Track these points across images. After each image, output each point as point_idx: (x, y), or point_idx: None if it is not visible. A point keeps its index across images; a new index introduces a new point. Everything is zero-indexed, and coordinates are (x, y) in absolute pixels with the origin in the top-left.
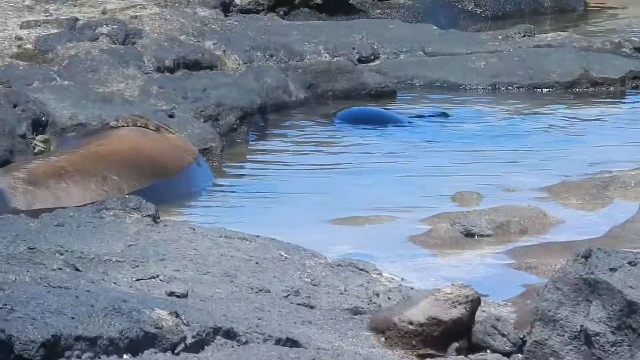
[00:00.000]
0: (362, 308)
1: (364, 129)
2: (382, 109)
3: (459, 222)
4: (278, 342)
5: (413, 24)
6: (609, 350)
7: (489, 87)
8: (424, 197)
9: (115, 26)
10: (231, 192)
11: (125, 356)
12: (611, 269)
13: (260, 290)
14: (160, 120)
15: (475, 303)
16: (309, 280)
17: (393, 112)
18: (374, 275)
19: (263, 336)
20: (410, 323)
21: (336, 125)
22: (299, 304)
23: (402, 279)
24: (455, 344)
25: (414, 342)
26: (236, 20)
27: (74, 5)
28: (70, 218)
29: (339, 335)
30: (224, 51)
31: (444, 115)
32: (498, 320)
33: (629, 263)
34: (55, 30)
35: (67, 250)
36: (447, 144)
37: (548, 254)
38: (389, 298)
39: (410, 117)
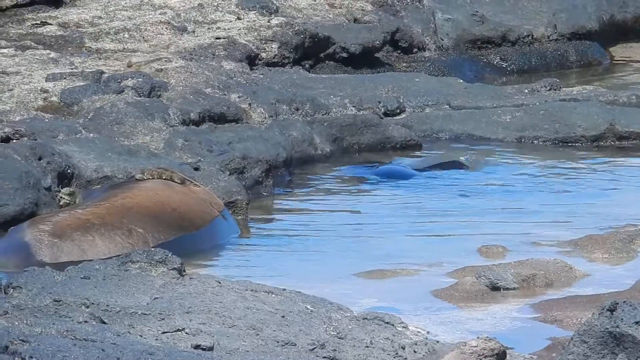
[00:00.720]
0: None
1: (388, 182)
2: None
3: (485, 276)
4: None
5: (439, 78)
6: None
7: (515, 141)
8: (450, 251)
9: (140, 79)
10: (257, 245)
11: None
12: (637, 322)
13: (286, 344)
14: (185, 173)
15: (501, 356)
16: (335, 333)
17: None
18: (400, 329)
19: None
20: None
21: (362, 178)
22: (324, 357)
23: (428, 332)
24: None
25: None
26: (262, 74)
27: (100, 59)
28: (96, 271)
29: None
30: (249, 104)
31: (461, 165)
32: None
33: None
34: (81, 83)
35: (92, 303)
36: (473, 197)
37: (574, 307)
38: (414, 351)
39: (423, 168)
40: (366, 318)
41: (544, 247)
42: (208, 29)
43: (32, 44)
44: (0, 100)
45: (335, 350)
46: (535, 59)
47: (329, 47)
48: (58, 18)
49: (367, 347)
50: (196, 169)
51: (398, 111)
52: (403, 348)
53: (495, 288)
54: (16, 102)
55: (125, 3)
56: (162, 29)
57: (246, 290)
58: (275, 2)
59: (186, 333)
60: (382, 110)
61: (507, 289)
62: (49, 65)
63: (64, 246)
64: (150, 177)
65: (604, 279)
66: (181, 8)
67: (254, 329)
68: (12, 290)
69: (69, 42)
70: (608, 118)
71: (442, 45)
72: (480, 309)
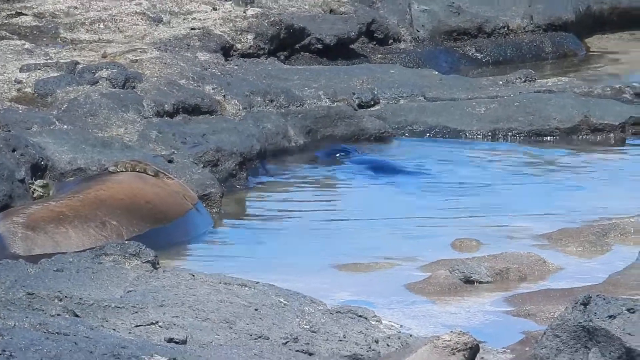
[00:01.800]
0: (361, 355)
1: (362, 175)
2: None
3: (458, 269)
4: None
5: (414, 69)
6: None
7: (489, 133)
8: (423, 245)
9: (115, 70)
10: (230, 238)
11: None
12: (610, 316)
13: (259, 337)
14: (159, 166)
15: (474, 350)
16: (308, 326)
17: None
18: (373, 322)
19: None
20: None
21: (335, 171)
22: (297, 351)
23: (401, 325)
24: None
25: None
26: (236, 65)
27: (74, 49)
28: (70, 263)
29: None
30: (223, 96)
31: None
32: None
33: (628, 310)
34: (55, 74)
35: (66, 296)
36: (447, 190)
37: (547, 301)
38: (388, 345)
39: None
40: (339, 311)
41: (518, 240)
42: (183, 19)
43: (7, 34)
44: None
45: (308, 343)
46: (511, 50)
47: (304, 38)
48: (33, 8)
49: (340, 340)
50: (170, 161)
51: (372, 103)
52: (376, 342)
53: (468, 281)
54: None
55: None
56: (138, 19)
57: (219, 283)
58: None
59: (159, 326)
60: (357, 102)
61: (481, 282)
62: (24, 55)
63: (37, 239)
64: (124, 170)
65: (578, 273)
66: None
67: (227, 322)
68: None
69: (44, 32)
70: (583, 110)
71: (417, 37)
72: (453, 302)
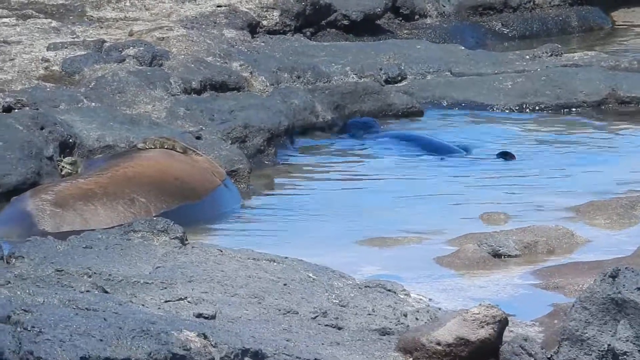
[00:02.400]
0: (390, 329)
1: (390, 150)
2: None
3: (486, 243)
4: None
5: (440, 45)
6: None
7: (516, 107)
8: (452, 218)
9: (142, 48)
10: (259, 213)
11: None
12: (639, 288)
13: (288, 312)
14: (187, 142)
15: (503, 323)
16: (337, 301)
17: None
18: (402, 296)
19: (291, 357)
20: (438, 343)
21: (363, 146)
22: (326, 325)
23: (430, 299)
24: None
25: None
26: (263, 42)
27: (101, 27)
28: (98, 240)
29: (367, 357)
30: (250, 72)
31: (508, 155)
32: (526, 340)
33: None
34: (82, 52)
35: (95, 273)
36: (474, 164)
37: (575, 274)
38: (416, 319)
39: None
40: (368, 286)
41: (546, 213)
42: None
43: (34, 12)
44: (1, 69)
45: (337, 318)
46: (537, 24)
47: (330, 14)
48: None
49: (370, 314)
50: (198, 137)
51: (399, 78)
52: (405, 315)
53: (497, 255)
54: (18, 72)
55: None
56: None
57: (248, 258)
58: None
59: (188, 302)
60: (384, 77)
61: (509, 256)
62: (51, 34)
63: (66, 216)
64: (152, 146)
65: (606, 245)
66: None
67: (256, 297)
68: (14, 260)
69: (71, 10)
70: (610, 83)
71: (443, 12)
72: (482, 276)
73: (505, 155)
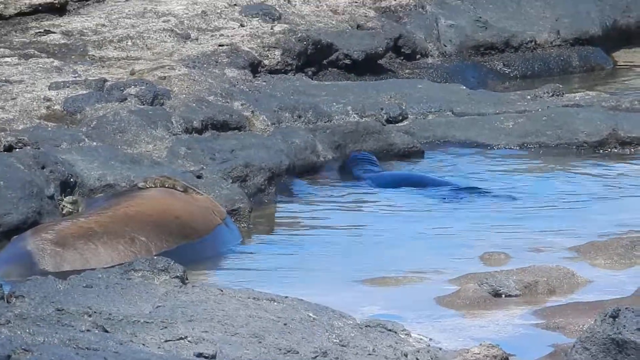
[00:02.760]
0: None
1: (391, 190)
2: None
3: (487, 283)
4: None
5: (442, 84)
6: None
7: (518, 147)
8: (452, 258)
9: (143, 87)
10: (259, 253)
11: None
12: (639, 329)
13: (289, 352)
14: (188, 181)
15: None
16: (338, 341)
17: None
18: (403, 336)
19: None
20: None
21: (364, 186)
22: None
23: (431, 339)
24: None
25: None
26: (264, 81)
27: (103, 66)
28: (99, 279)
29: None
30: (252, 112)
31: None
32: None
33: None
34: (84, 91)
35: (95, 312)
36: (475, 203)
37: (576, 314)
38: (417, 359)
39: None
40: (369, 325)
41: (546, 253)
42: (211, 36)
43: (36, 52)
44: (3, 109)
45: (337, 358)
46: (538, 64)
47: (332, 53)
48: (61, 26)
49: (370, 354)
50: (199, 177)
51: (400, 118)
52: (406, 355)
53: (497, 295)
54: (19, 111)
55: (129, 11)
56: (165, 36)
57: (248, 298)
58: (278, 9)
59: (189, 341)
60: (385, 117)
61: (510, 295)
62: (52, 73)
63: (66, 255)
64: (153, 186)
65: (606, 286)
66: (184, 15)
67: (256, 337)
68: (14, 299)
69: (73, 50)
70: (610, 124)
71: (445, 52)
72: (482, 315)
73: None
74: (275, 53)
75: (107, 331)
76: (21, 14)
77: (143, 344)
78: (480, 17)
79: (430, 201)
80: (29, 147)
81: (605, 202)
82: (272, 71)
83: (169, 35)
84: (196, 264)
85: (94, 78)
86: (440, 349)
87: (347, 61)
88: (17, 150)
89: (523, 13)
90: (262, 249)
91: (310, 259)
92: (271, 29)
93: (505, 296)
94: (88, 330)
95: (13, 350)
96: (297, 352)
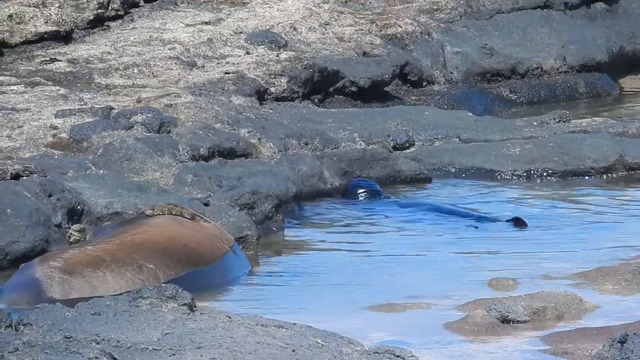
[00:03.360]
0: None
1: (398, 216)
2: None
3: (495, 309)
4: None
5: (448, 111)
6: None
7: (524, 173)
8: (460, 284)
9: (150, 114)
10: (267, 280)
11: None
12: None
13: None
14: (195, 209)
15: None
16: None
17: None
18: None
19: None
20: None
21: (371, 212)
22: None
23: None
24: None
25: None
26: (271, 108)
27: (109, 94)
28: (107, 307)
29: None
30: (259, 139)
31: (519, 222)
32: None
33: None
34: (90, 119)
35: (103, 339)
36: (482, 230)
37: (584, 340)
38: None
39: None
40: (377, 352)
41: (554, 279)
42: (217, 63)
43: (42, 80)
44: (10, 137)
45: None
46: (545, 91)
47: (338, 81)
48: (67, 54)
49: None
50: (206, 204)
51: (407, 145)
52: None
53: (506, 321)
54: (26, 139)
55: (135, 39)
56: (172, 64)
57: (257, 325)
58: (284, 36)
59: None
60: (392, 144)
61: (518, 321)
62: (59, 101)
63: (74, 282)
64: (160, 213)
65: (615, 311)
66: (190, 43)
67: None
68: (22, 327)
69: (78, 78)
70: (617, 149)
71: (451, 79)
72: (491, 342)
73: (518, 222)
74: (282, 80)
75: (115, 359)
76: (27, 42)
77: None
78: (487, 44)
79: (437, 227)
80: (35, 175)
81: (612, 228)
82: (279, 98)
83: (175, 63)
84: (204, 292)
85: (100, 106)
86: None
87: (354, 88)
88: (24, 178)
89: (529, 40)
90: (270, 276)
91: (318, 286)
92: (277, 56)
93: (514, 322)
94: (96, 358)
95: None
96: None
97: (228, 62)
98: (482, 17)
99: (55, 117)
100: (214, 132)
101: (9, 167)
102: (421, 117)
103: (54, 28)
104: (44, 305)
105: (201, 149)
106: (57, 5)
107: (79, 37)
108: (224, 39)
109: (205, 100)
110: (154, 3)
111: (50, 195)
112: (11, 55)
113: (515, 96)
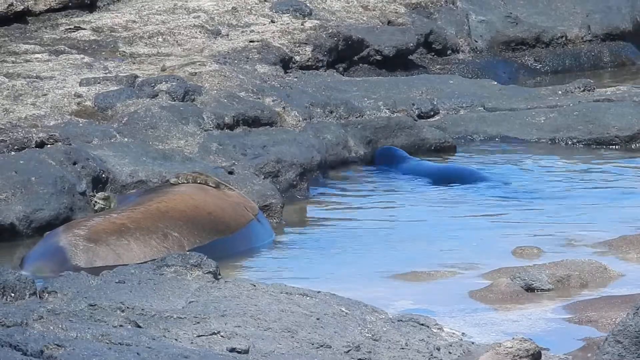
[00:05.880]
0: None
1: (423, 184)
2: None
3: (520, 277)
4: None
5: (473, 80)
6: None
7: (549, 142)
8: (485, 252)
9: (174, 83)
10: (291, 248)
11: None
12: None
13: (321, 346)
14: (220, 177)
15: (536, 357)
16: (370, 335)
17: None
18: (435, 330)
19: None
20: None
21: (396, 180)
22: (359, 359)
23: (463, 333)
24: None
25: None
26: (296, 77)
27: (133, 63)
28: (131, 275)
29: None
30: (283, 107)
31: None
32: None
33: None
34: (115, 88)
35: (128, 307)
36: (507, 198)
37: (608, 308)
38: (450, 353)
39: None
40: (401, 320)
41: (579, 247)
42: (242, 32)
43: (66, 48)
44: (34, 105)
45: (370, 352)
46: (569, 60)
47: (362, 49)
48: (92, 23)
49: (402, 348)
50: (230, 172)
51: (432, 113)
52: (438, 349)
53: (530, 289)
54: (50, 107)
55: (159, 7)
56: (196, 32)
57: (281, 293)
58: (308, 5)
59: (221, 336)
60: (416, 112)
61: (542, 290)
62: (83, 69)
63: (99, 251)
64: (185, 181)
65: (639, 279)
66: (215, 12)
67: (289, 331)
68: (47, 294)
69: (103, 46)
70: None
71: (475, 47)
72: (515, 310)
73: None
74: (306, 49)
75: (139, 326)
76: (51, 10)
77: (176, 339)
78: (511, 13)
79: (461, 195)
80: (60, 143)
81: (637, 196)
82: (303, 67)
83: (200, 32)
84: (229, 260)
85: (124, 74)
86: (472, 343)
87: (378, 57)
88: (49, 146)
89: (554, 8)
90: (295, 244)
91: (342, 254)
92: (302, 25)
93: (538, 290)
94: (121, 326)
95: (46, 345)
96: (330, 347)
97: (252, 31)
98: None
99: (80, 86)
100: (238, 101)
101: (33, 135)
102: (446, 85)
103: None
104: (68, 273)
105: (226, 118)
106: None
107: (104, 5)
108: (249, 7)
109: (229, 68)
110: None
111: (74, 163)
112: (35, 24)
113: (540, 65)
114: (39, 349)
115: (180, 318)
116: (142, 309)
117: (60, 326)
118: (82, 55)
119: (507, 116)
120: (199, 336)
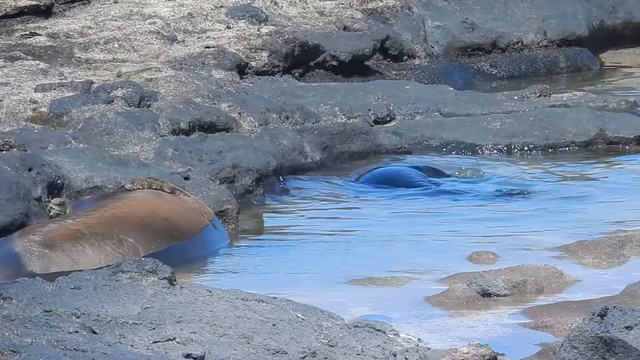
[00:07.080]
0: None
1: (379, 190)
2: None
3: (476, 283)
4: None
5: (429, 85)
6: None
7: (505, 148)
8: (440, 258)
9: (130, 89)
10: (247, 254)
11: None
12: (627, 327)
13: (277, 352)
14: (175, 183)
15: None
16: (326, 341)
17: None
18: (391, 336)
19: None
20: None
21: (352, 186)
22: None
23: (419, 339)
24: None
25: None
26: (251, 82)
27: (89, 69)
28: (87, 281)
29: None
30: (239, 113)
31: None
32: None
33: None
34: (71, 93)
35: (83, 313)
36: (462, 203)
37: (564, 313)
38: (406, 358)
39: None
40: (357, 326)
41: (535, 253)
42: (198, 38)
43: (21, 54)
44: None
45: (326, 358)
46: (525, 65)
47: (318, 55)
48: (47, 28)
49: (359, 354)
50: (186, 178)
51: (388, 119)
52: (394, 355)
53: (486, 294)
54: (5, 113)
55: (115, 13)
56: (152, 38)
57: (237, 299)
58: (264, 10)
59: (177, 342)
60: (372, 118)
61: (498, 295)
62: (38, 75)
63: (54, 256)
64: (140, 187)
65: (595, 285)
66: (171, 17)
67: (244, 337)
68: (2, 301)
69: (59, 52)
70: (598, 124)
71: (432, 53)
72: (471, 315)
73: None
74: (262, 55)
75: (95, 332)
76: (6, 16)
77: (131, 345)
78: (467, 19)
79: (417, 201)
80: (15, 149)
81: (593, 202)
82: (259, 73)
83: (156, 38)
84: (184, 265)
85: (80, 80)
86: (428, 348)
87: (334, 62)
88: (4, 152)
89: (510, 14)
90: (250, 250)
91: (298, 260)
92: (258, 30)
93: (494, 296)
94: (76, 332)
95: (1, 351)
96: (286, 353)
97: (208, 37)
98: None
99: (35, 92)
100: (194, 106)
101: None
102: (402, 91)
103: (34, 2)
104: (23, 279)
105: (181, 123)
106: None
107: (59, 11)
108: (205, 13)
109: (185, 74)
110: None
111: (30, 169)
112: None
113: (496, 70)
114: None
115: (136, 324)
116: (98, 315)
117: (15, 332)
118: (37, 62)
119: (463, 122)
120: (154, 342)
